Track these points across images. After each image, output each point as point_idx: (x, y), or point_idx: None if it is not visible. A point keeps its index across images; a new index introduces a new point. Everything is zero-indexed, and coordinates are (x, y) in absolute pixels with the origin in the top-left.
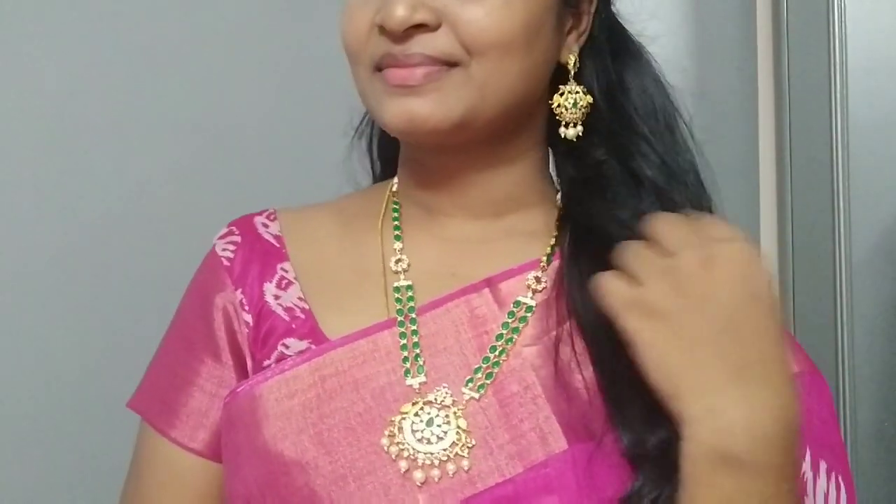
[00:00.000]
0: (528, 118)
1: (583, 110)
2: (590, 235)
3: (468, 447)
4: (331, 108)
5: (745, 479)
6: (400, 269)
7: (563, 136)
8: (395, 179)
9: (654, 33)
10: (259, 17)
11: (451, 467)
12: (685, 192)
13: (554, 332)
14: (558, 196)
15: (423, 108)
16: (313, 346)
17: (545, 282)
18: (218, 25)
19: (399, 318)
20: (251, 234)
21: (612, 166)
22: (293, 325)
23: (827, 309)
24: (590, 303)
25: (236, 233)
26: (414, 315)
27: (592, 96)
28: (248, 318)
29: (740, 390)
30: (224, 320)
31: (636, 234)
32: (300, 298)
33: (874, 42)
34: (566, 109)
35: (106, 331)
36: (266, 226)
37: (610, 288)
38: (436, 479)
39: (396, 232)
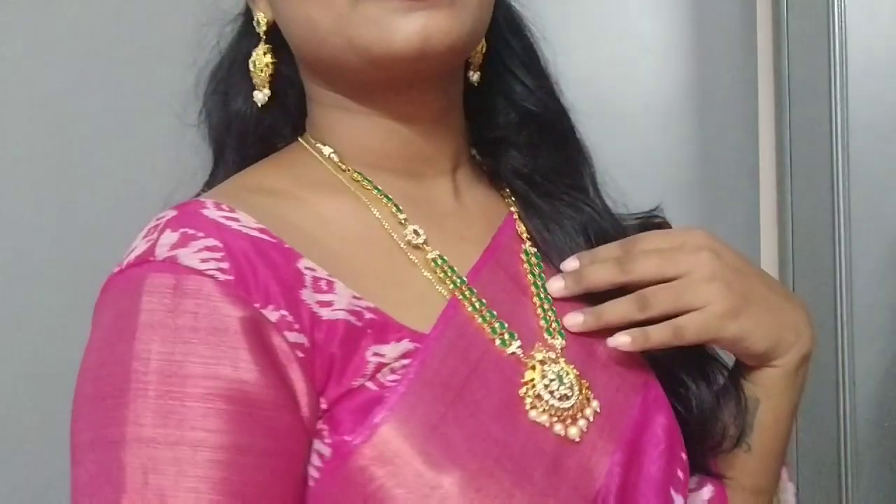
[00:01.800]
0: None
1: (481, 56)
2: (523, 189)
3: (588, 388)
4: None
5: (806, 369)
6: (420, 241)
7: (471, 79)
8: (325, 150)
9: (655, 34)
10: None
11: (588, 412)
12: (567, 130)
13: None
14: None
15: (442, 22)
16: (418, 346)
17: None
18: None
19: (457, 292)
20: (226, 233)
21: (506, 113)
22: (369, 330)
23: (827, 309)
24: (565, 249)
25: (201, 235)
26: (467, 285)
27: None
28: (301, 338)
29: (797, 311)
30: (254, 346)
31: (547, 191)
32: (356, 297)
33: (874, 42)
34: (478, 52)
35: None
36: (235, 220)
37: (695, 325)
38: (585, 430)
39: (388, 202)
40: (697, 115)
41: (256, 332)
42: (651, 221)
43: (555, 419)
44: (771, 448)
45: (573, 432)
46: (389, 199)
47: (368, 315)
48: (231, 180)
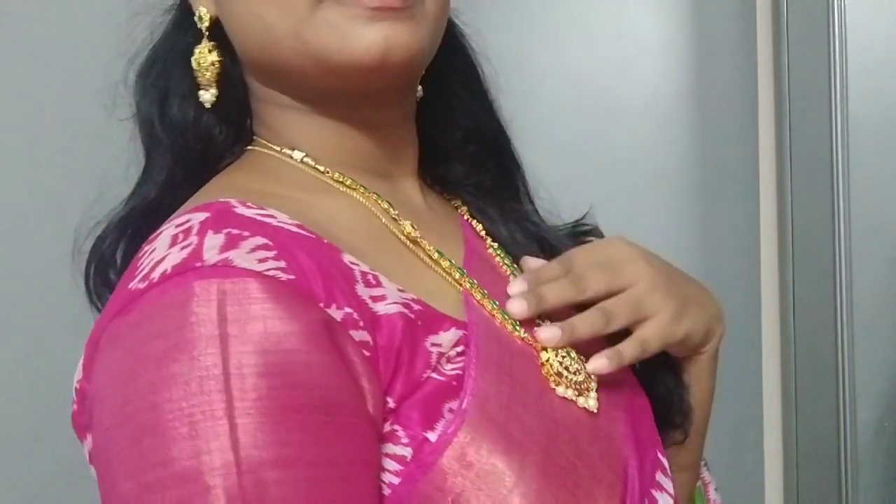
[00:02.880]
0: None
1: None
2: (467, 194)
3: (583, 361)
4: None
5: (719, 349)
6: (418, 235)
7: (419, 93)
8: (296, 154)
9: (655, 34)
10: None
11: (593, 384)
12: (503, 140)
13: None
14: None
15: (404, 34)
16: (465, 332)
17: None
18: None
19: (464, 283)
20: (270, 231)
21: (447, 127)
22: (419, 322)
23: (827, 309)
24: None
25: (247, 234)
26: (469, 277)
27: None
28: (365, 335)
29: (711, 298)
30: (338, 351)
31: (487, 195)
32: (400, 290)
33: (874, 42)
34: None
35: None
36: (271, 216)
37: (657, 335)
38: (598, 400)
39: (376, 199)
40: (697, 115)
41: (327, 333)
42: (580, 230)
43: (575, 392)
44: (699, 428)
45: (592, 403)
46: (379, 195)
47: (416, 307)
48: (213, 184)
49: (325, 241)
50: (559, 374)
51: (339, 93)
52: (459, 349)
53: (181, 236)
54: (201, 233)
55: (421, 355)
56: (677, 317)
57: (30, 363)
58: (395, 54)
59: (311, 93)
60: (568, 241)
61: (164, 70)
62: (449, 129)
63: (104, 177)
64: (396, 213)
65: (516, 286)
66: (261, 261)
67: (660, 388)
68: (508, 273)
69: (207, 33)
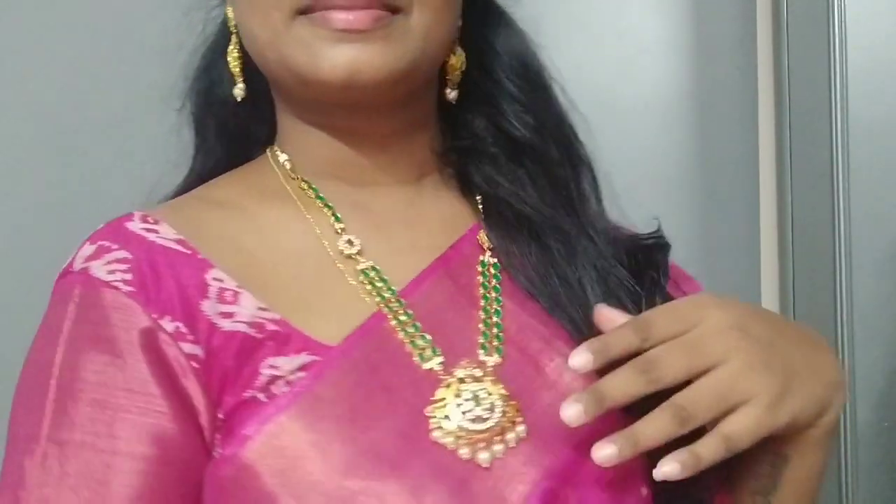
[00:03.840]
0: (433, 78)
1: (459, 73)
2: (490, 201)
3: (517, 410)
4: None
5: (833, 432)
6: (354, 251)
7: (447, 97)
8: (282, 157)
9: (655, 33)
10: None
11: (510, 436)
12: (560, 147)
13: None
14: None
15: (373, 57)
16: (317, 357)
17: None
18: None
19: (383, 305)
20: (140, 245)
21: (486, 129)
22: (271, 343)
23: (827, 309)
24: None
25: (115, 247)
26: (398, 297)
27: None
28: (196, 349)
29: (828, 359)
30: (150, 357)
31: (522, 200)
32: (262, 308)
33: (874, 42)
34: (456, 70)
35: None
36: (154, 231)
37: (747, 429)
38: (500, 455)
39: (329, 212)
40: (697, 115)
41: (151, 343)
42: (641, 243)
43: (462, 441)
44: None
45: (483, 457)
46: (330, 207)
47: (271, 327)
48: (195, 190)
49: (200, 256)
50: (447, 418)
51: (318, 104)
52: (302, 375)
53: (82, 243)
54: (84, 243)
55: (248, 374)
56: (778, 400)
57: None
58: (361, 77)
59: (295, 100)
60: (622, 250)
61: (212, 60)
62: (484, 125)
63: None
64: (342, 226)
65: (578, 359)
66: (110, 272)
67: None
68: (482, 295)
69: (235, 31)
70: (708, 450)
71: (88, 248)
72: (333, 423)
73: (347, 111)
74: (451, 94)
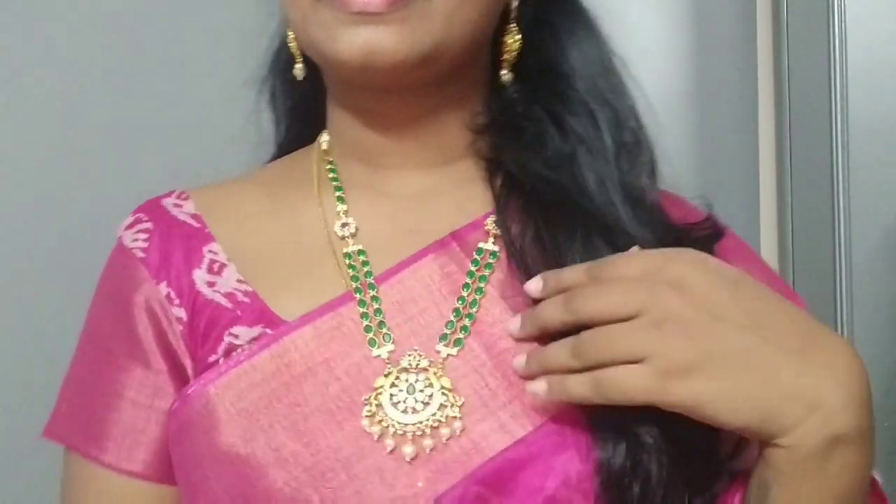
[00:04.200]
0: (476, 58)
1: (514, 54)
2: (519, 185)
3: (457, 406)
4: None
5: (851, 454)
6: (347, 233)
7: (501, 78)
8: (323, 137)
9: (655, 33)
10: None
11: (444, 432)
12: (616, 137)
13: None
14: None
15: (387, 39)
16: (269, 331)
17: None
18: (215, 24)
19: (355, 287)
20: (163, 218)
21: (538, 114)
22: (238, 312)
23: (827, 309)
24: (533, 264)
25: (145, 219)
26: (372, 281)
27: (524, 40)
28: (181, 312)
29: (817, 373)
30: (150, 321)
31: (561, 185)
32: (239, 281)
33: (874, 42)
34: (511, 51)
35: None
36: (178, 206)
37: (624, 382)
38: (427, 451)
39: (338, 193)
40: (697, 115)
41: (148, 305)
42: (688, 235)
43: (391, 431)
44: None
45: (407, 450)
46: (340, 189)
47: (242, 298)
48: (253, 168)
49: (206, 231)
50: (380, 406)
51: (344, 85)
52: (250, 346)
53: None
54: (131, 213)
55: (213, 340)
56: (681, 374)
57: (29, 363)
58: (377, 59)
59: (329, 82)
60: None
61: (283, 45)
62: (533, 110)
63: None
64: (345, 208)
65: (531, 285)
66: (133, 240)
67: (603, 462)
68: (464, 284)
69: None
70: (576, 384)
71: (128, 219)
72: (262, 395)
73: (371, 93)
74: (506, 77)
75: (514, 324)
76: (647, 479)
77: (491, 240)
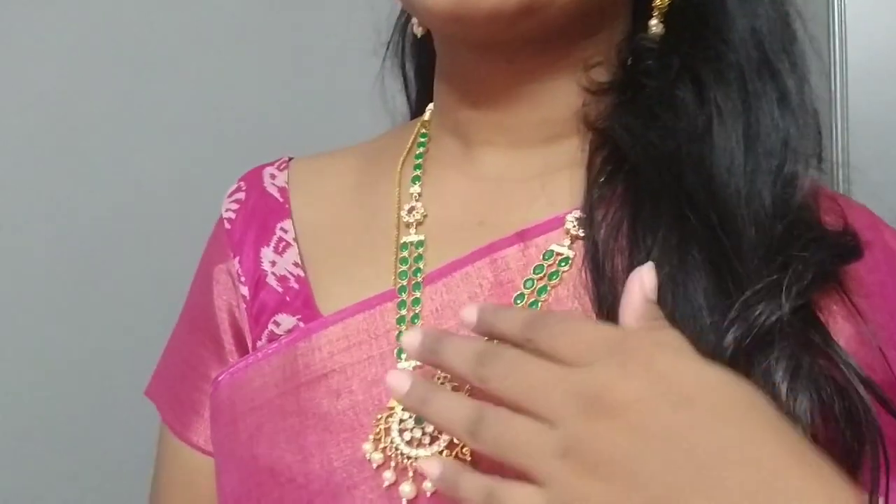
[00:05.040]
0: (605, 7)
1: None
2: (624, 164)
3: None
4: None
5: None
6: (413, 219)
7: (651, 30)
8: (430, 107)
9: None
10: (258, 12)
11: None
12: (782, 122)
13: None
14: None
15: None
16: (302, 324)
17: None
18: (218, 17)
19: (401, 285)
20: (257, 188)
21: (671, 72)
22: (287, 298)
23: None
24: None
25: (243, 188)
26: (419, 280)
27: None
28: (245, 290)
29: None
30: (225, 296)
31: (677, 166)
32: (295, 264)
33: (874, 42)
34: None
35: (104, 330)
36: (273, 177)
37: (511, 433)
38: (428, 494)
39: (416, 172)
40: None
41: (225, 279)
42: (812, 256)
43: (392, 462)
44: None
45: (406, 490)
46: (420, 167)
47: (292, 284)
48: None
49: (287, 206)
50: (387, 431)
51: (441, 47)
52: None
53: None
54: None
55: (262, 325)
56: None
57: (30, 363)
58: (468, 8)
59: (435, 41)
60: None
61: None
62: (679, 75)
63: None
64: (419, 191)
65: (467, 314)
66: (227, 209)
67: None
68: (518, 294)
69: None
70: (469, 488)
71: (234, 185)
72: (278, 395)
73: (469, 52)
74: (655, 28)
75: (410, 337)
76: None
77: (567, 241)
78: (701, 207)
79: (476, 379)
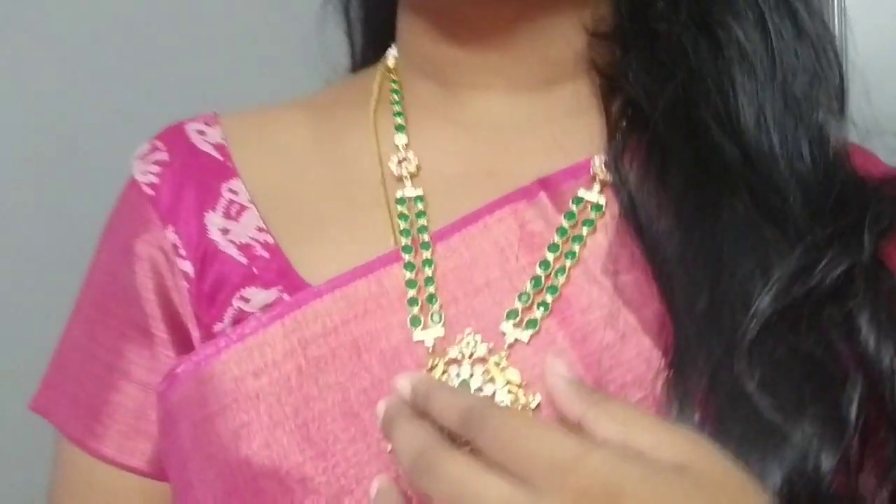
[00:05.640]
0: None
1: None
2: (644, 114)
3: (531, 408)
4: None
5: None
6: (405, 172)
7: None
8: (391, 52)
9: None
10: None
11: None
12: (804, 60)
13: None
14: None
15: None
16: (286, 297)
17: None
18: (216, 20)
19: (405, 245)
20: (182, 146)
21: (684, 15)
22: (254, 269)
23: None
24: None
25: (161, 148)
26: (427, 238)
27: None
28: (188, 266)
29: None
30: (152, 275)
31: (701, 116)
32: (260, 229)
33: (874, 42)
34: None
35: None
36: (202, 133)
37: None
38: None
39: (398, 120)
40: None
41: (152, 255)
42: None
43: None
44: None
45: None
46: (401, 115)
47: (261, 252)
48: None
49: (229, 164)
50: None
51: None
52: (261, 315)
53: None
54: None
55: (222, 303)
56: None
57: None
58: None
59: None
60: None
61: None
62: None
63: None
64: (405, 140)
65: (400, 382)
66: (144, 173)
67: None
68: (550, 248)
69: None
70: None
71: (145, 146)
72: (269, 382)
73: None
74: None
75: (403, 380)
76: None
77: (597, 188)
78: (732, 163)
79: (463, 434)
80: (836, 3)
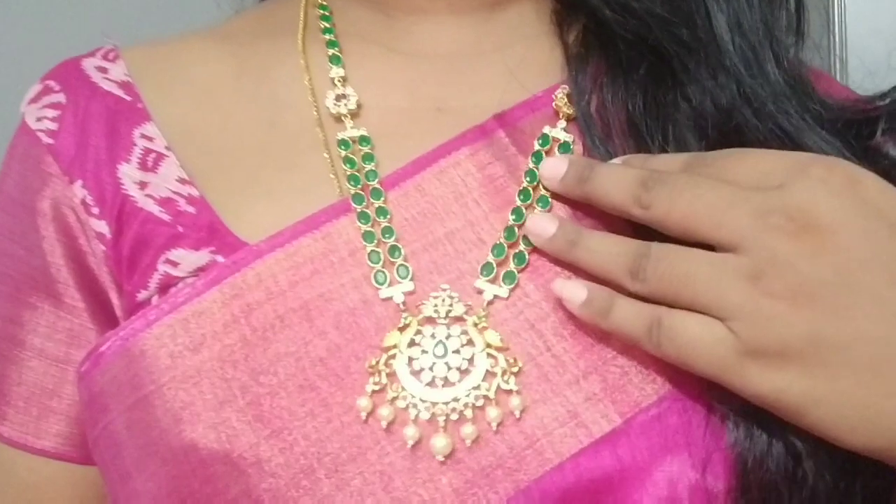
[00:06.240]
0: None
1: None
2: (606, 36)
3: (512, 373)
4: None
5: None
6: (344, 109)
7: None
8: None
9: None
10: None
11: (492, 414)
12: None
13: None
14: None
15: None
16: (220, 258)
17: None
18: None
19: (354, 193)
20: (82, 87)
21: None
22: (179, 228)
23: None
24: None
25: (55, 89)
26: (377, 185)
27: None
28: (102, 226)
29: None
30: (60, 236)
31: (672, 32)
32: (182, 180)
33: (874, 42)
34: None
35: None
36: (104, 70)
37: (689, 342)
38: (469, 443)
39: (331, 51)
40: None
41: (58, 213)
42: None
43: (412, 414)
44: None
45: (439, 444)
46: (335, 44)
47: (185, 207)
48: (231, 18)
49: (140, 106)
50: (392, 377)
51: None
52: (194, 280)
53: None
54: (40, 78)
55: (146, 268)
56: (777, 357)
57: None
58: None
59: None
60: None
61: None
62: None
63: None
64: (342, 73)
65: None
66: (39, 119)
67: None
68: (519, 191)
69: None
70: (625, 313)
71: (35, 88)
72: (210, 357)
73: None
74: None
75: (551, 164)
76: (810, 496)
77: (562, 124)
78: (710, 85)
79: (638, 206)
80: (836, 4)
